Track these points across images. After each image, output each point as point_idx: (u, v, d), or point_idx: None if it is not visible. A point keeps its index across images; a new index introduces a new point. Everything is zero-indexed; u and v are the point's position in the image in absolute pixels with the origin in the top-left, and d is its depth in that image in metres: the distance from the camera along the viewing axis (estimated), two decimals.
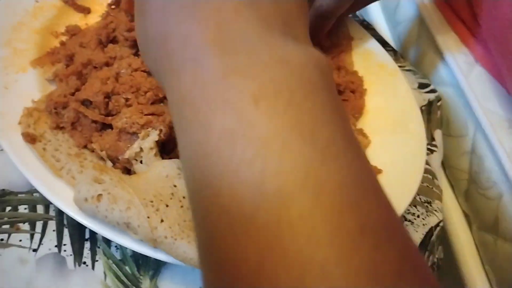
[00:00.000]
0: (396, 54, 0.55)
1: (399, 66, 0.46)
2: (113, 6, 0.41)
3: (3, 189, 0.34)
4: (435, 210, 0.41)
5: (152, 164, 0.31)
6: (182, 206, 0.29)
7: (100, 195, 0.28)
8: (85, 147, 0.33)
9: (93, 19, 0.45)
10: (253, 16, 0.19)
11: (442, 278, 0.42)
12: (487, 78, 0.50)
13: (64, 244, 0.32)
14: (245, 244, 0.16)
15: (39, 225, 0.33)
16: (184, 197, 0.29)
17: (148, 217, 0.27)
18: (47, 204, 0.34)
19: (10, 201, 0.34)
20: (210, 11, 0.19)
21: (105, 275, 0.31)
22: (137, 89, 0.33)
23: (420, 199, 0.41)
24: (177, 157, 0.32)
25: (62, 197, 0.29)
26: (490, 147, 0.46)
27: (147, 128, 0.32)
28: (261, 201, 0.16)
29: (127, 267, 0.32)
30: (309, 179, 0.16)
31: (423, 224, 0.40)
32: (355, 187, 0.17)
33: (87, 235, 0.33)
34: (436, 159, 0.46)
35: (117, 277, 0.31)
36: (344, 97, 0.42)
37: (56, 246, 0.32)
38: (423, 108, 0.49)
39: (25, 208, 0.34)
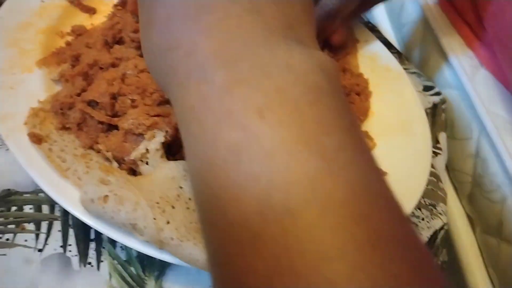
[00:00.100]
0: (401, 57, 0.55)
1: (404, 69, 0.46)
2: (119, 7, 0.41)
3: (9, 189, 0.34)
4: (440, 213, 0.41)
5: (158, 165, 0.31)
6: (188, 208, 0.29)
7: (106, 196, 0.28)
8: (91, 147, 0.33)
9: (99, 19, 0.45)
10: (256, 22, 0.19)
11: None
12: (492, 81, 0.50)
13: (69, 245, 0.32)
14: (253, 258, 0.16)
15: (44, 225, 0.33)
16: (190, 199, 0.29)
17: (155, 219, 0.27)
18: (52, 204, 0.34)
19: (15, 201, 0.34)
20: (213, 20, 0.19)
21: (110, 276, 0.31)
22: (143, 90, 0.33)
23: (424, 202, 0.41)
24: (183, 158, 0.32)
25: (68, 197, 0.29)
26: (494, 150, 0.46)
27: (153, 130, 0.32)
28: (268, 215, 0.16)
29: (132, 268, 0.32)
30: (316, 192, 0.16)
31: (428, 227, 0.40)
32: (364, 197, 0.16)
33: (92, 236, 0.33)
34: (441, 161, 0.46)
35: (122, 277, 0.31)
36: (349, 100, 0.42)
37: (61, 246, 0.32)
38: (427, 110, 0.49)
39: (30, 208, 0.34)
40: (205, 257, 0.24)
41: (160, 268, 0.32)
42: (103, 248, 0.32)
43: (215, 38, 0.18)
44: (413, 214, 0.40)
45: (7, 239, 0.32)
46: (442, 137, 0.48)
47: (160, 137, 0.31)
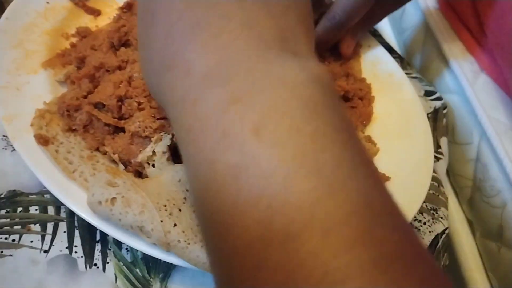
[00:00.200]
0: (403, 61, 0.55)
1: (406, 73, 0.46)
2: (125, 10, 0.41)
3: (14, 190, 0.34)
4: (441, 218, 0.42)
5: (164, 168, 0.31)
6: (194, 211, 0.29)
7: (114, 198, 0.28)
8: (97, 150, 0.33)
9: (103, 21, 0.45)
10: (250, 37, 0.19)
11: None
12: (493, 87, 0.50)
13: (75, 246, 0.32)
14: (258, 283, 0.16)
15: (50, 227, 0.33)
16: None
17: (162, 221, 0.28)
18: (58, 205, 0.34)
19: (21, 202, 0.34)
20: (208, 37, 0.19)
21: (116, 277, 0.31)
22: (149, 93, 0.33)
23: (426, 206, 0.42)
24: None
25: (75, 199, 0.30)
26: (495, 155, 0.46)
27: (160, 132, 0.32)
28: (270, 241, 0.16)
29: (137, 270, 0.32)
30: (316, 214, 0.15)
31: (429, 231, 0.40)
32: (366, 215, 0.16)
33: (98, 237, 0.33)
34: (442, 166, 0.46)
35: (128, 279, 0.32)
36: (352, 104, 0.42)
37: (67, 247, 0.32)
38: (429, 115, 0.49)
39: (36, 209, 0.34)
40: None
41: (165, 269, 0.32)
42: (109, 249, 0.33)
43: (210, 56, 0.18)
44: (415, 219, 0.40)
45: (13, 240, 0.32)
46: (444, 142, 0.48)
47: (166, 140, 0.32)
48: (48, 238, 0.32)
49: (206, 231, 0.19)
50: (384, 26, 0.69)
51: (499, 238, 0.45)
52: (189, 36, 0.19)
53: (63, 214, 0.34)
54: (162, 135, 0.32)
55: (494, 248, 0.46)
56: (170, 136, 0.32)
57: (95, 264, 0.32)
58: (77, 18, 0.45)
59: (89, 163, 0.32)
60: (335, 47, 0.45)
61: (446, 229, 0.41)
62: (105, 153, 0.33)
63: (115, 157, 0.32)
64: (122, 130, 0.33)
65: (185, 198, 0.29)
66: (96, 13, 0.46)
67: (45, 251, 0.32)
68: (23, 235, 0.32)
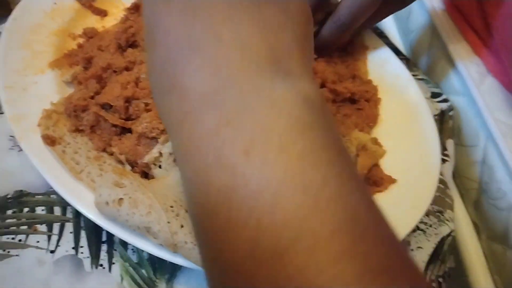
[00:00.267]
0: (409, 63, 0.55)
1: (412, 75, 0.46)
2: (132, 11, 0.41)
3: (21, 190, 0.34)
4: (447, 220, 0.41)
5: (171, 169, 0.31)
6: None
7: (121, 199, 0.28)
8: (104, 150, 0.33)
9: (110, 22, 0.45)
10: (243, 59, 0.19)
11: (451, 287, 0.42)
12: (499, 89, 0.50)
13: (81, 246, 0.32)
14: None
15: (56, 227, 0.33)
16: None
17: (169, 222, 0.28)
18: (64, 206, 0.34)
19: (28, 202, 0.34)
20: (202, 61, 0.19)
21: (122, 278, 0.32)
22: None
23: (432, 208, 0.41)
24: None
25: (82, 200, 0.30)
26: (501, 157, 0.46)
27: (167, 133, 0.32)
28: (259, 258, 0.16)
29: (143, 270, 0.32)
30: (303, 231, 0.16)
31: (435, 234, 0.40)
32: (351, 231, 0.16)
33: (104, 238, 0.33)
34: (448, 168, 0.46)
35: (134, 280, 0.32)
36: (358, 106, 0.42)
37: (73, 248, 0.32)
38: (435, 117, 0.49)
39: (43, 210, 0.34)
40: None
41: (171, 270, 0.32)
42: (115, 250, 0.33)
43: (204, 81, 0.19)
44: (421, 220, 0.40)
45: (20, 240, 0.32)
46: (450, 144, 0.48)
47: None
48: (54, 238, 0.33)
49: (202, 246, 0.20)
50: (390, 28, 0.68)
51: (505, 240, 0.45)
52: (185, 61, 0.20)
53: (69, 215, 0.34)
54: (169, 136, 0.32)
55: (500, 251, 0.46)
56: None
57: (101, 265, 0.32)
58: (84, 19, 0.45)
59: (96, 164, 0.32)
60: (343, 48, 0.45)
61: (452, 231, 0.41)
62: (111, 154, 0.33)
63: (122, 157, 0.32)
64: (129, 131, 0.33)
65: None
66: (102, 13, 0.46)
67: (51, 252, 0.32)
68: (30, 235, 0.32)
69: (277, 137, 0.17)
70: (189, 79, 0.19)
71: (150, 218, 0.28)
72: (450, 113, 0.51)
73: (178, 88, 0.20)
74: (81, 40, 0.42)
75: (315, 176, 0.17)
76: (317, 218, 0.16)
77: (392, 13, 0.46)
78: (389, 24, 0.68)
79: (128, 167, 0.33)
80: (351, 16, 0.40)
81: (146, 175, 0.33)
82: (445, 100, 0.51)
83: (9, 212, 0.33)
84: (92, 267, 0.32)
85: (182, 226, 0.28)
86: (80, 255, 0.32)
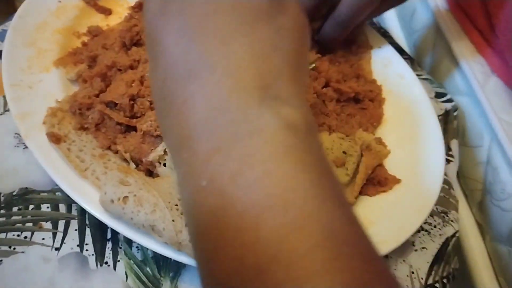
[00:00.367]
0: (413, 63, 0.55)
1: (416, 75, 0.46)
2: (136, 9, 0.41)
3: (26, 188, 0.35)
4: (451, 221, 0.41)
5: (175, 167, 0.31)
6: None
7: (126, 197, 0.28)
8: (108, 148, 0.33)
9: (114, 20, 0.46)
10: (233, 87, 0.20)
11: None
12: (503, 89, 0.50)
13: (86, 244, 0.33)
14: None
15: (61, 224, 0.33)
16: None
17: (173, 221, 0.28)
18: (69, 203, 0.34)
19: (33, 200, 0.34)
20: (196, 88, 0.20)
21: (127, 276, 0.32)
22: None
23: (437, 209, 0.41)
24: None
25: (87, 197, 0.30)
26: (505, 158, 0.46)
27: None
28: (243, 275, 0.18)
29: (148, 268, 0.32)
30: (282, 249, 0.17)
31: (440, 234, 0.40)
32: (328, 246, 0.17)
33: (109, 235, 0.33)
34: (453, 169, 0.46)
35: (138, 277, 0.32)
36: (363, 106, 0.42)
37: (78, 245, 0.32)
38: (439, 117, 0.49)
39: (48, 207, 0.34)
40: None
41: (175, 268, 0.32)
42: (120, 248, 0.33)
43: (198, 108, 0.20)
44: (425, 221, 0.40)
45: (25, 237, 0.32)
46: (454, 144, 0.48)
47: None
48: (59, 236, 0.33)
49: (197, 263, 0.21)
50: (394, 27, 0.68)
51: (510, 242, 0.45)
52: (181, 86, 0.21)
53: (74, 212, 0.34)
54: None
55: (505, 252, 0.45)
56: None
57: (106, 262, 0.32)
58: (88, 17, 0.45)
59: (100, 162, 0.32)
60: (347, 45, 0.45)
61: (456, 232, 0.41)
62: (116, 152, 0.33)
63: (127, 155, 0.32)
64: (134, 129, 0.33)
65: None
66: (107, 12, 0.46)
67: (57, 249, 0.32)
68: (35, 233, 0.32)
69: (261, 164, 0.19)
70: (184, 105, 0.20)
71: (155, 216, 0.28)
72: (455, 113, 0.51)
73: (176, 112, 0.21)
74: (85, 39, 0.42)
75: (295, 198, 0.18)
76: (295, 236, 0.17)
77: (392, 7, 0.46)
78: (393, 24, 0.68)
79: (132, 165, 0.33)
80: (351, 13, 0.41)
81: (150, 173, 0.33)
82: (450, 100, 0.51)
83: (15, 209, 0.33)
84: (97, 265, 0.32)
85: (186, 225, 0.28)
86: (85, 253, 0.32)
